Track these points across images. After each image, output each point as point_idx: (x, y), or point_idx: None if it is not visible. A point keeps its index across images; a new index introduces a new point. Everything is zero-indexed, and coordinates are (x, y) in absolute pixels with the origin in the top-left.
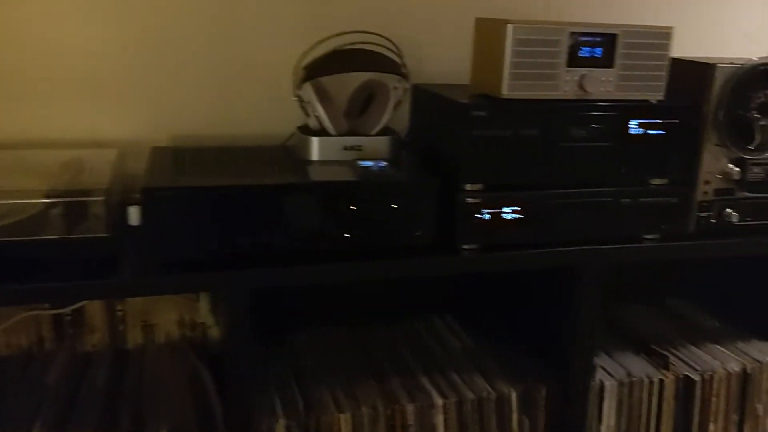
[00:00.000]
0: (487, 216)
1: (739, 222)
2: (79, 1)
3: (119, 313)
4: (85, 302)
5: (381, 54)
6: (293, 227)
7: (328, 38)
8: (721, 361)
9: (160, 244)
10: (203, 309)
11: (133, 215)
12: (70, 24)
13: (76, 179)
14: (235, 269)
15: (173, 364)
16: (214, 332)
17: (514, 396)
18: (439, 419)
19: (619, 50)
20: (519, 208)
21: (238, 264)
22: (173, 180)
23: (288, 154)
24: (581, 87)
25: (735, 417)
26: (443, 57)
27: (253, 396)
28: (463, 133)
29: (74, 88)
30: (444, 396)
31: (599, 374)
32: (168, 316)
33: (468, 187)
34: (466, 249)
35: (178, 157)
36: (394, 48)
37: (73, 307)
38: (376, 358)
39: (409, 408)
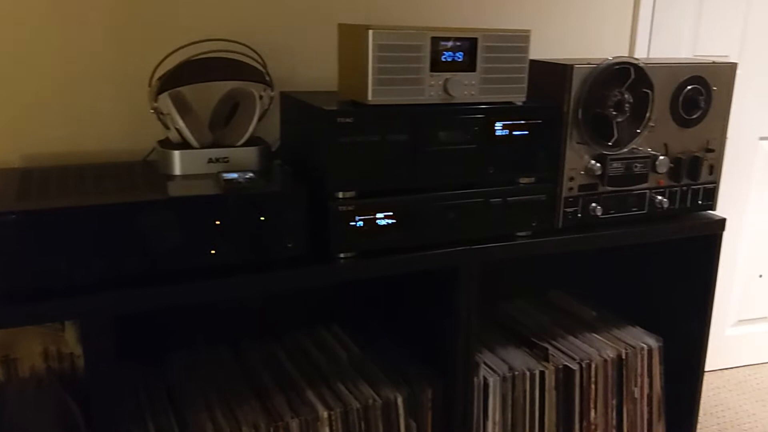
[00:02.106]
0: (361, 223)
1: (603, 215)
2: None
3: None
4: None
5: (241, 62)
6: (153, 247)
7: (184, 47)
8: (597, 348)
9: (5, 273)
10: (70, 338)
11: None
12: None
13: None
14: (93, 295)
15: (40, 399)
16: (84, 363)
17: (400, 401)
18: None
19: (480, 54)
20: (392, 213)
21: (96, 289)
22: (14, 204)
23: (149, 169)
24: (446, 91)
25: (614, 402)
26: (313, 64)
27: (123, 426)
28: (330, 140)
29: None
30: (329, 408)
31: (482, 371)
32: (32, 348)
33: (339, 194)
34: (341, 257)
35: (26, 179)
36: (256, 56)
37: None
38: (258, 375)
39: (293, 424)
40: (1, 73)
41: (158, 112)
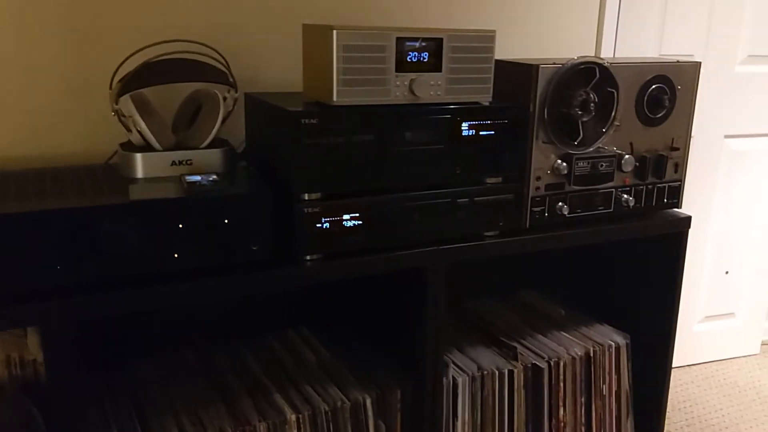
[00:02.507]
0: (327, 224)
1: (570, 214)
2: None
3: None
4: None
5: (203, 63)
6: (115, 251)
7: (145, 48)
8: (566, 347)
9: None
10: (32, 345)
11: None
12: None
13: None
14: (54, 300)
15: (1, 407)
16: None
17: (368, 402)
18: None
19: (446, 54)
20: (358, 215)
21: (56, 295)
22: None
23: (111, 173)
24: (411, 91)
25: (582, 399)
26: (278, 65)
27: None
28: (295, 141)
29: None
30: (297, 411)
31: (451, 371)
32: None
33: (305, 196)
34: (308, 259)
35: None
36: (219, 57)
37: None
38: (225, 379)
39: (261, 427)
40: None
41: (120, 115)
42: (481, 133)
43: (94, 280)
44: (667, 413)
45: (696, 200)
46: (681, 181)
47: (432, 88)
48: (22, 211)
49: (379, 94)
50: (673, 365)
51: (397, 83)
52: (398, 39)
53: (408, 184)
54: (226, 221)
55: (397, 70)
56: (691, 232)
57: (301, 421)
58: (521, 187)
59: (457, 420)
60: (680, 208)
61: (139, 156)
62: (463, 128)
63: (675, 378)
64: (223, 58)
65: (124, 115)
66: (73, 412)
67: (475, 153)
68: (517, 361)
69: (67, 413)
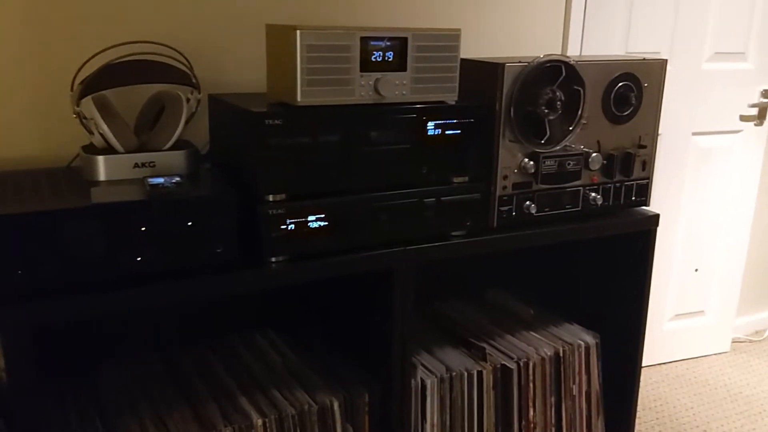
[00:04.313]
0: (292, 226)
1: (537, 213)
2: None
3: None
4: None
5: (165, 64)
6: (77, 255)
7: (107, 49)
8: (535, 347)
9: None
10: None
11: None
12: None
13: None
14: (14, 306)
15: None
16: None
17: (336, 405)
18: None
19: (411, 53)
20: (324, 216)
21: (16, 300)
22: None
23: (72, 176)
24: (376, 91)
25: (552, 399)
26: (242, 66)
27: None
28: (258, 142)
29: None
30: (263, 415)
31: (420, 372)
32: None
33: (270, 197)
34: (273, 261)
35: None
36: (182, 58)
37: None
38: (190, 384)
39: (226, 431)
40: None
41: (81, 117)
42: (447, 132)
43: (56, 284)
44: (637, 412)
45: (664, 198)
46: (649, 178)
47: (397, 88)
48: None
49: (344, 93)
50: (643, 364)
51: (362, 83)
52: (362, 39)
53: (374, 184)
54: (189, 224)
55: (361, 70)
56: (659, 229)
57: (267, 425)
58: (488, 187)
59: (426, 422)
60: (648, 205)
61: (101, 159)
62: (428, 128)
63: (645, 377)
64: (186, 59)
65: (85, 118)
66: (35, 419)
67: (442, 152)
68: (486, 361)
69: (30, 420)
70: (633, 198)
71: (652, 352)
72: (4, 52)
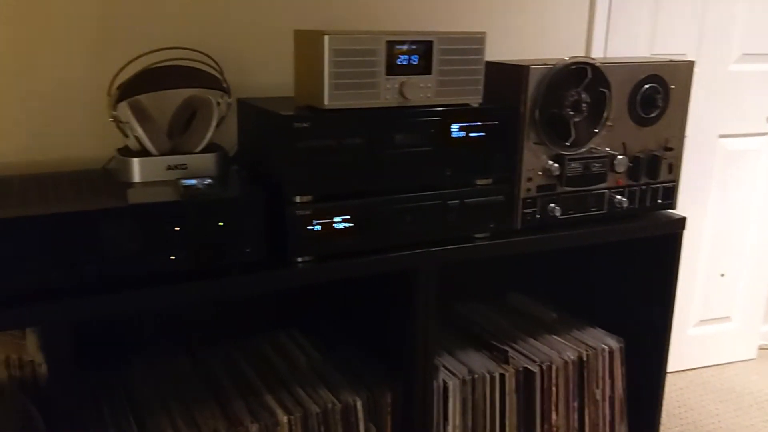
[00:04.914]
0: (318, 227)
1: (562, 215)
2: None
3: None
4: None
5: (198, 69)
6: (113, 253)
7: (142, 56)
8: (558, 350)
9: None
10: (31, 346)
11: None
12: None
13: None
14: (52, 302)
15: (1, 407)
16: (45, 370)
17: (359, 404)
18: None
19: (436, 57)
20: (349, 217)
21: (56, 296)
22: None
23: (108, 177)
24: (401, 94)
25: (575, 404)
26: (270, 70)
27: None
28: (286, 145)
29: None
30: (289, 412)
31: (442, 374)
32: None
33: (297, 199)
34: (299, 261)
35: None
36: (213, 63)
37: None
38: (218, 380)
39: (253, 428)
40: None
41: (117, 121)
42: (471, 134)
43: (93, 281)
44: (661, 419)
45: (691, 201)
46: (675, 181)
47: (422, 91)
48: (23, 215)
49: (370, 97)
50: (668, 370)
51: (388, 86)
52: (388, 42)
53: (399, 186)
54: (220, 224)
55: (387, 74)
56: (685, 233)
57: (292, 422)
58: (512, 189)
59: (448, 424)
60: (675, 209)
61: (136, 161)
62: (453, 130)
63: (670, 383)
64: (217, 64)
65: (121, 121)
66: (72, 411)
67: (466, 155)
68: (508, 364)
69: (67, 413)
70: (659, 201)
71: (677, 357)
72: (47, 59)
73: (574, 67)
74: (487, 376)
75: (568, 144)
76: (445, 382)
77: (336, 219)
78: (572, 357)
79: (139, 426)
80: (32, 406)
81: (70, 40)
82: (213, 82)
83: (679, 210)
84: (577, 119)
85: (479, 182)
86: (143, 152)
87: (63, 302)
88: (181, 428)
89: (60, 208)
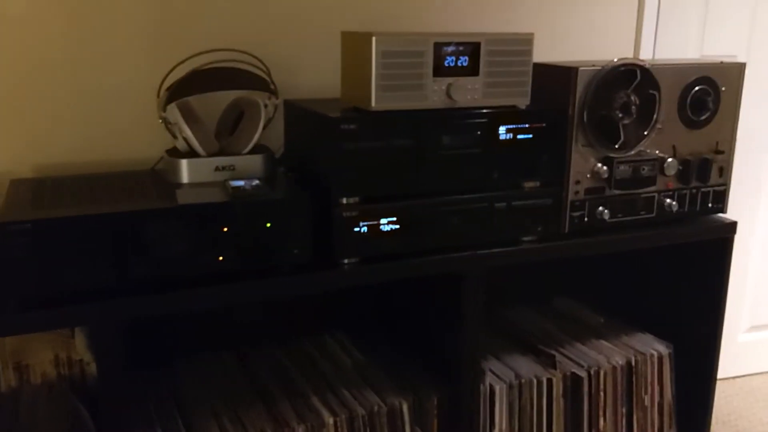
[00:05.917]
0: (365, 228)
1: (610, 219)
2: None
3: None
4: None
5: (246, 71)
6: (162, 253)
7: (190, 58)
8: (606, 355)
9: (20, 280)
10: (80, 345)
11: None
12: None
13: None
14: (102, 301)
15: (51, 405)
16: (93, 369)
17: (405, 407)
18: None
19: (483, 58)
20: (396, 219)
21: (106, 295)
22: (29, 213)
23: (157, 178)
24: (449, 96)
25: (623, 410)
26: (317, 72)
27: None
28: (334, 147)
29: None
30: (334, 414)
31: (489, 378)
32: (42, 355)
33: (344, 200)
34: (345, 263)
35: (39, 188)
36: (260, 65)
37: None
38: (263, 381)
39: (299, 429)
40: (15, 84)
41: (166, 122)
42: (518, 137)
43: (142, 281)
44: (711, 426)
45: (741, 205)
46: (726, 185)
47: (469, 92)
48: (74, 215)
49: (417, 99)
50: (718, 377)
51: (435, 88)
52: (436, 44)
53: (445, 188)
54: (268, 225)
55: (434, 75)
56: (736, 238)
57: (338, 424)
58: (560, 192)
59: (494, 428)
60: (725, 213)
61: (184, 162)
62: (500, 132)
63: (719, 390)
64: (264, 65)
65: (170, 123)
66: (120, 411)
67: (513, 157)
68: (555, 369)
69: (115, 412)
70: (710, 205)
71: (727, 364)
72: (101, 62)
73: (623, 68)
74: (534, 381)
75: (617, 147)
76: (491, 386)
77: (382, 221)
78: (620, 362)
79: (186, 426)
80: (81, 405)
81: (121, 43)
82: (260, 83)
83: (730, 214)
84: (626, 122)
85: (526, 185)
86: (191, 153)
87: (112, 302)
88: (228, 429)
89: (110, 209)
